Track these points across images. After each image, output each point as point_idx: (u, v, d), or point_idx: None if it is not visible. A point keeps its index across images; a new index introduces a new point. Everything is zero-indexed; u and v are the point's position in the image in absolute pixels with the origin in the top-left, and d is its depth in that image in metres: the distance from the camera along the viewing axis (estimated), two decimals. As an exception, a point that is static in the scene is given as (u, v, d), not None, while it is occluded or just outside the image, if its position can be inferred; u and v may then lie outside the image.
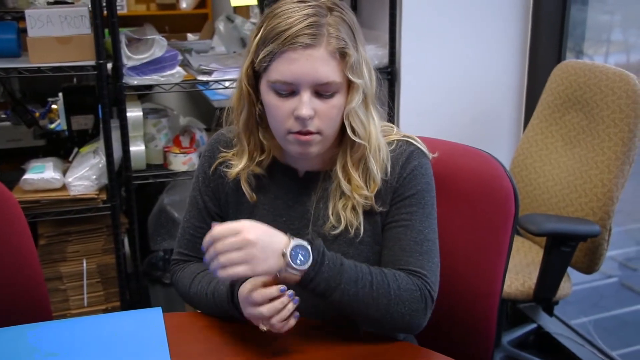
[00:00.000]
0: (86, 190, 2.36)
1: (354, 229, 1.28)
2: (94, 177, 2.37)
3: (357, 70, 1.21)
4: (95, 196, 2.37)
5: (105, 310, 2.52)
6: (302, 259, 1.15)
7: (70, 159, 2.53)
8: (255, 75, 1.25)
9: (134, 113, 2.48)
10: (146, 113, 2.60)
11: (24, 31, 2.34)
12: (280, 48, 1.17)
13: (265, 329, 1.18)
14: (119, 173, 2.44)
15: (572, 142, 2.27)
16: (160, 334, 1.27)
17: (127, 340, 1.26)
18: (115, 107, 2.43)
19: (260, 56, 1.20)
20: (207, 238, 1.15)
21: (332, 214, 1.29)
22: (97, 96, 2.43)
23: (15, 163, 2.60)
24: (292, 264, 1.14)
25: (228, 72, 2.43)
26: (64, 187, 2.37)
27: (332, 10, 1.21)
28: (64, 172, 2.41)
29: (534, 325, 2.69)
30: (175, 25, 4.33)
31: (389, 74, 2.56)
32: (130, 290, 2.61)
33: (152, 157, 2.58)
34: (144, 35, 2.43)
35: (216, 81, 2.42)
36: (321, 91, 1.20)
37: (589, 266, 2.15)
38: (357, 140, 1.25)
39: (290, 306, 1.17)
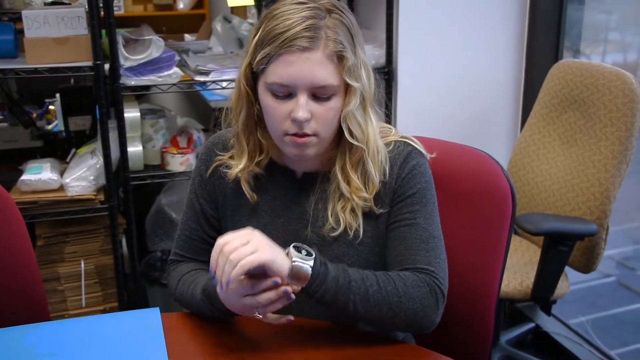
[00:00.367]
0: (84, 191, 2.36)
1: (353, 231, 1.28)
2: (92, 177, 2.37)
3: (355, 74, 1.21)
4: (93, 197, 2.37)
5: (103, 311, 2.52)
6: (307, 254, 1.16)
7: (67, 159, 2.53)
8: (253, 76, 1.25)
9: (131, 114, 2.48)
10: (143, 114, 2.60)
11: (20, 32, 2.34)
12: (278, 51, 1.17)
13: (260, 316, 1.18)
14: (116, 174, 2.44)
15: (569, 141, 2.27)
16: (158, 334, 1.27)
17: (124, 340, 1.26)
18: (112, 108, 2.43)
19: (258, 58, 1.20)
20: (213, 252, 1.15)
21: (332, 216, 1.29)
22: (95, 97, 2.43)
23: (13, 164, 2.60)
24: (298, 256, 1.15)
25: (225, 72, 2.43)
26: (61, 188, 2.37)
27: (330, 12, 1.21)
28: (62, 173, 2.41)
29: (531, 325, 2.69)
30: (172, 26, 4.33)
31: (386, 74, 2.56)
32: (128, 290, 2.61)
33: (150, 158, 2.58)
34: (141, 35, 2.43)
35: (213, 81, 2.42)
36: (318, 94, 1.20)
37: (587, 265, 2.15)
38: (355, 143, 1.25)
39: (284, 300, 1.16)
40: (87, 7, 2.27)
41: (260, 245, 1.12)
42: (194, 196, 1.41)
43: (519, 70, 2.72)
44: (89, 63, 2.26)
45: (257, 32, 1.22)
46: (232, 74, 2.39)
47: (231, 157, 1.36)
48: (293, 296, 1.16)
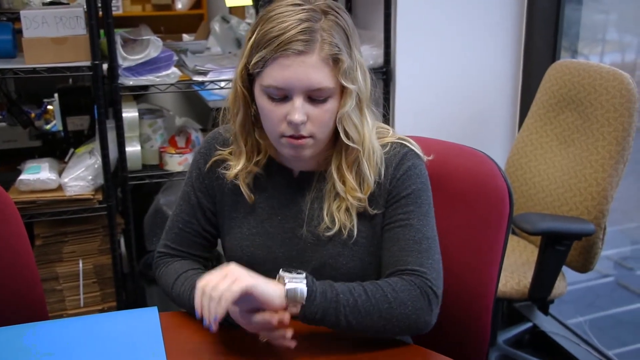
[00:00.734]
0: (82, 190, 2.36)
1: (347, 231, 1.29)
2: (90, 177, 2.37)
3: (351, 76, 1.21)
4: (91, 197, 2.37)
5: (102, 311, 2.52)
6: (295, 274, 1.16)
7: (66, 159, 2.53)
8: (249, 78, 1.26)
9: (129, 113, 2.48)
10: (142, 113, 2.60)
11: (19, 32, 2.34)
12: (273, 54, 1.17)
13: (265, 339, 1.19)
14: (114, 173, 2.45)
15: (566, 141, 2.28)
16: (156, 333, 1.27)
17: (123, 339, 1.26)
18: (110, 108, 2.44)
19: (254, 60, 1.20)
20: (196, 296, 1.15)
21: (327, 215, 1.29)
22: (93, 97, 2.43)
23: (11, 164, 2.60)
24: (290, 277, 1.15)
25: (223, 72, 2.44)
26: (59, 188, 2.37)
27: (326, 14, 1.20)
28: (60, 173, 2.41)
29: (529, 324, 2.70)
30: (170, 26, 4.33)
31: (384, 74, 2.56)
32: (127, 290, 2.61)
33: (148, 158, 2.58)
34: (139, 35, 2.43)
35: (212, 81, 2.43)
36: (314, 96, 1.20)
37: (584, 265, 2.15)
38: (351, 144, 1.26)
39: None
40: (85, 7, 2.27)
41: (238, 274, 1.13)
42: (191, 189, 1.41)
43: (517, 71, 2.72)
44: (87, 63, 2.26)
45: (253, 34, 1.22)
46: (230, 74, 2.39)
47: (231, 153, 1.37)
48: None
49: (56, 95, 2.84)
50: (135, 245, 2.58)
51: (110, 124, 2.38)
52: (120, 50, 2.28)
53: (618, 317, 2.99)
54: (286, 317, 1.15)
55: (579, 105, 2.22)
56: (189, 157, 2.52)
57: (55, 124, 3.06)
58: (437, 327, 1.25)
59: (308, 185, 1.33)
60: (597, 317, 2.92)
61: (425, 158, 1.34)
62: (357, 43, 1.25)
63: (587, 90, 2.18)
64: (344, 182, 1.28)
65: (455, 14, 2.59)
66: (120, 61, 2.28)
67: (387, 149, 1.31)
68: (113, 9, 2.35)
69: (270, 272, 1.33)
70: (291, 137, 1.22)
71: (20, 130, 2.83)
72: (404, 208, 1.28)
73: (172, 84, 2.37)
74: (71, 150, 2.58)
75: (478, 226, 1.44)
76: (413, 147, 1.32)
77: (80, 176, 2.36)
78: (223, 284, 1.11)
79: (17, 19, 2.38)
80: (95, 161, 2.38)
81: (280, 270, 1.17)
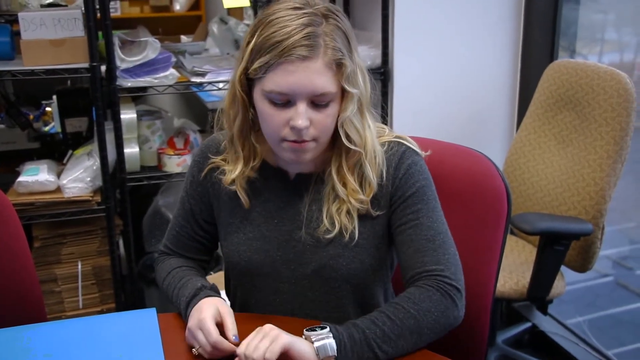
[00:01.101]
0: (80, 192, 2.36)
1: (348, 233, 1.28)
2: (88, 179, 2.37)
3: (353, 80, 1.21)
4: (90, 198, 2.37)
5: (101, 312, 2.52)
6: (319, 330, 1.15)
7: (64, 161, 2.53)
8: (248, 82, 1.25)
9: (127, 115, 2.48)
10: (140, 115, 2.60)
11: (17, 34, 2.35)
12: (277, 60, 1.16)
13: (196, 353, 1.20)
14: (113, 175, 2.45)
15: (564, 141, 2.28)
16: (155, 334, 1.27)
17: (121, 340, 1.26)
18: (109, 109, 2.44)
19: (256, 65, 1.18)
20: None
21: (326, 217, 1.29)
22: (91, 98, 2.43)
23: (10, 165, 2.60)
24: (315, 334, 1.14)
25: (222, 73, 2.44)
26: (58, 190, 2.37)
27: (327, 18, 1.20)
28: (58, 175, 2.41)
29: (528, 324, 2.70)
30: (168, 27, 4.33)
31: (382, 75, 2.56)
32: (125, 291, 2.61)
33: (146, 159, 2.58)
34: (137, 37, 2.43)
35: (210, 82, 2.43)
36: (317, 101, 1.19)
37: (583, 265, 2.15)
38: (353, 147, 1.26)
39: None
40: (83, 8, 2.27)
41: (276, 334, 1.12)
42: (186, 194, 1.42)
43: (515, 71, 2.72)
44: (86, 65, 2.27)
45: (253, 37, 1.21)
46: (228, 75, 2.39)
47: (224, 160, 1.36)
48: None
49: (54, 97, 2.85)
50: (134, 246, 2.58)
51: (109, 126, 2.38)
52: (118, 52, 2.28)
53: (617, 317, 2.99)
54: None
55: (577, 105, 2.23)
56: (187, 159, 2.52)
57: (53, 126, 3.06)
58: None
59: (306, 188, 1.33)
60: (596, 317, 2.92)
61: (423, 154, 1.33)
62: (356, 46, 1.25)
63: (585, 90, 2.18)
64: (344, 185, 1.28)
65: (453, 14, 2.59)
66: (118, 63, 2.28)
67: (385, 148, 1.31)
68: (111, 10, 2.35)
69: (269, 275, 1.33)
70: (293, 141, 1.22)
71: (19, 132, 2.83)
72: (412, 207, 1.28)
73: (170, 85, 2.37)
74: (70, 152, 2.58)
75: (476, 226, 1.44)
76: (410, 145, 1.32)
77: (78, 178, 2.36)
78: (263, 344, 1.10)
79: (15, 20, 2.38)
80: (94, 163, 2.38)
81: (304, 330, 1.15)
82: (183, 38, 3.90)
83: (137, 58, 2.29)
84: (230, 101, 1.29)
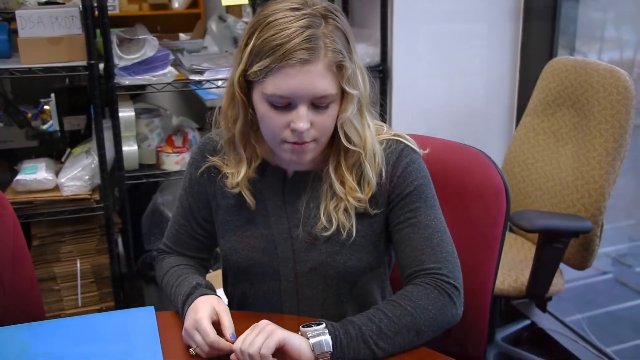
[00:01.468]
0: (79, 190, 2.36)
1: (346, 231, 1.28)
2: (87, 177, 2.37)
3: (353, 81, 1.21)
4: (88, 196, 2.37)
5: (100, 310, 2.52)
6: (315, 327, 1.15)
7: (62, 159, 2.53)
8: (247, 83, 1.24)
9: (126, 113, 2.48)
10: (138, 113, 2.60)
11: (14, 32, 2.34)
12: (277, 63, 1.15)
13: (194, 353, 1.20)
14: (111, 173, 2.44)
15: (563, 138, 2.28)
16: (153, 332, 1.27)
17: (119, 338, 1.26)
18: (107, 108, 2.43)
19: (255, 68, 1.17)
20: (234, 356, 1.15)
21: (324, 215, 1.29)
22: (89, 96, 2.43)
23: (8, 164, 2.60)
24: (309, 329, 1.14)
25: (220, 71, 2.43)
26: (56, 188, 2.37)
27: (326, 18, 1.19)
28: (57, 173, 2.41)
29: (527, 322, 2.70)
30: (167, 25, 4.32)
31: (381, 72, 2.56)
32: (124, 290, 2.60)
33: (145, 157, 2.58)
34: (136, 35, 2.43)
35: (208, 80, 2.42)
36: (317, 103, 1.19)
37: (582, 262, 2.15)
38: (352, 147, 1.25)
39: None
40: (81, 6, 2.26)
41: (271, 329, 1.12)
42: (184, 193, 1.43)
43: (514, 68, 2.72)
44: (84, 63, 2.26)
45: (251, 39, 1.19)
46: (227, 73, 2.39)
47: (222, 161, 1.36)
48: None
49: (53, 95, 2.84)
50: (133, 245, 2.58)
51: (107, 124, 2.38)
52: (116, 50, 2.28)
53: (616, 314, 2.99)
54: None
55: (576, 102, 2.22)
56: (186, 157, 2.52)
57: (52, 124, 3.05)
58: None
59: (303, 186, 1.32)
60: (595, 314, 2.92)
61: (421, 152, 1.33)
62: (355, 45, 1.24)
63: (584, 88, 2.18)
64: (342, 183, 1.28)
65: (453, 11, 2.59)
66: (116, 61, 2.28)
67: (383, 146, 1.30)
68: (110, 8, 2.35)
69: (266, 273, 1.33)
70: (294, 143, 1.21)
71: (17, 130, 2.83)
72: (410, 206, 1.28)
73: (168, 83, 2.37)
74: (68, 150, 2.57)
75: (475, 224, 1.44)
76: (409, 143, 1.31)
77: (77, 176, 2.36)
78: (259, 340, 1.11)
79: (13, 18, 2.37)
80: (92, 161, 2.38)
81: (300, 326, 1.15)
82: (181, 36, 3.89)
83: (135, 56, 2.29)
84: (229, 103, 1.28)
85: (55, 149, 2.69)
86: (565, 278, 2.21)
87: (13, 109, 2.82)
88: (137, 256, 3.04)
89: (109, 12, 2.28)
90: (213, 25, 3.07)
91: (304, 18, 1.16)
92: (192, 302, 1.26)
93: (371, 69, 2.51)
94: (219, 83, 2.42)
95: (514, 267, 2.17)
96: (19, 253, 1.54)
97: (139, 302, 2.76)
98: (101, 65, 2.31)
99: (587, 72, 2.18)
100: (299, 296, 1.33)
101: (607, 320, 2.93)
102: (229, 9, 3.80)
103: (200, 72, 2.43)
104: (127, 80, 2.30)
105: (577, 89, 2.21)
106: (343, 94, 1.21)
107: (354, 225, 1.28)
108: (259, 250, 1.33)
